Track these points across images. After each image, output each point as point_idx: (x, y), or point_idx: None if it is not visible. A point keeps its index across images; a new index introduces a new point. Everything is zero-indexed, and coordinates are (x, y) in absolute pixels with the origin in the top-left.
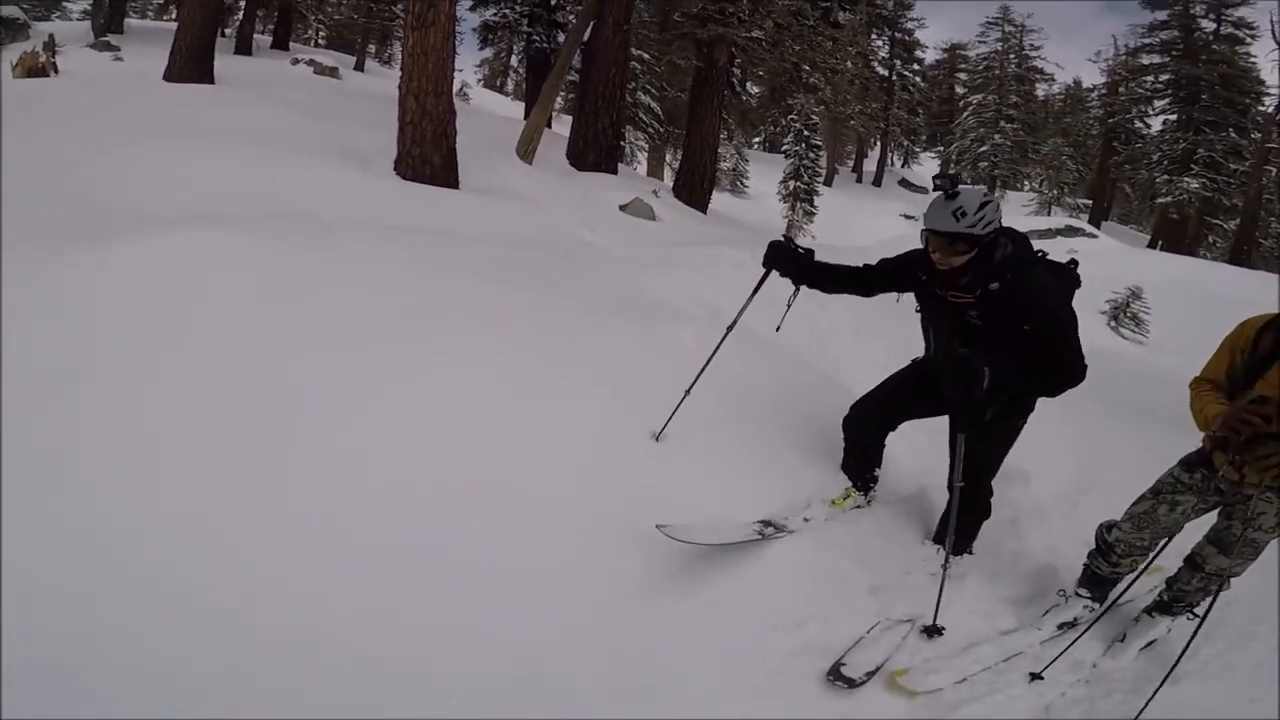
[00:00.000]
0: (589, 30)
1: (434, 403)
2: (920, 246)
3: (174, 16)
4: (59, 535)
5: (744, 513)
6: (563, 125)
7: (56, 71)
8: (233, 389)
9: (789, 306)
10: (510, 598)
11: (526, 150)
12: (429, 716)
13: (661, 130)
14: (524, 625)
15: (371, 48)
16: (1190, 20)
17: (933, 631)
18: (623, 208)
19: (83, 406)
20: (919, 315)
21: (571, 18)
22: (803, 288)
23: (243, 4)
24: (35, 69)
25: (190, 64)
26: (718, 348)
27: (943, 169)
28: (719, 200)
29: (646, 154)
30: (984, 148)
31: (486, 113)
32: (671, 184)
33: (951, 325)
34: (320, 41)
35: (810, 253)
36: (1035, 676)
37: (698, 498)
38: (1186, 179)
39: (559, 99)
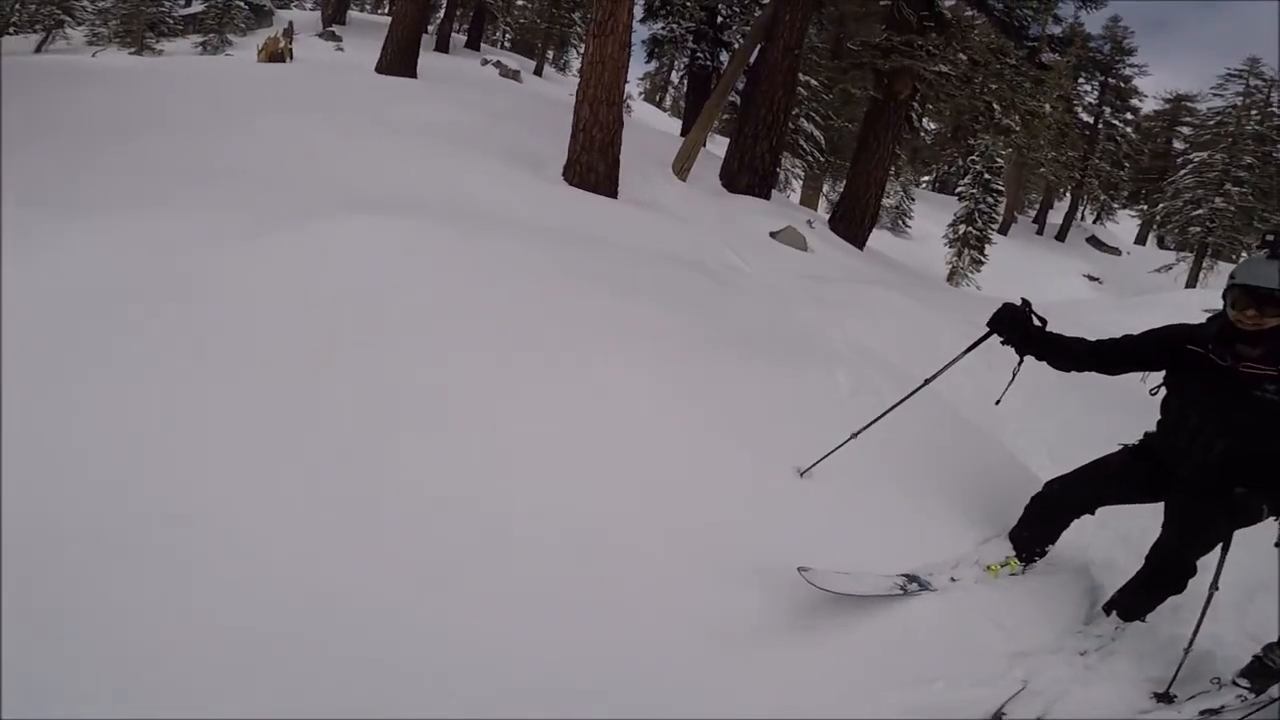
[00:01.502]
0: (755, 52)
1: (587, 413)
2: (1179, 323)
3: (388, 10)
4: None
5: (885, 563)
6: (717, 145)
7: (292, 57)
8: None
9: (1013, 377)
10: (633, 620)
11: (682, 168)
12: None
13: (821, 160)
14: (643, 652)
15: (550, 54)
16: None
17: (1164, 698)
18: (774, 234)
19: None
20: (1164, 396)
21: (739, 37)
22: (1028, 361)
23: (444, 2)
24: (276, 54)
25: (398, 58)
26: (904, 400)
27: (1270, 234)
28: (877, 238)
29: (801, 182)
30: (1199, 211)
31: (645, 126)
32: (827, 215)
33: (1233, 401)
34: (506, 44)
35: (1045, 322)
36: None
37: (838, 541)
38: None
39: (717, 119)
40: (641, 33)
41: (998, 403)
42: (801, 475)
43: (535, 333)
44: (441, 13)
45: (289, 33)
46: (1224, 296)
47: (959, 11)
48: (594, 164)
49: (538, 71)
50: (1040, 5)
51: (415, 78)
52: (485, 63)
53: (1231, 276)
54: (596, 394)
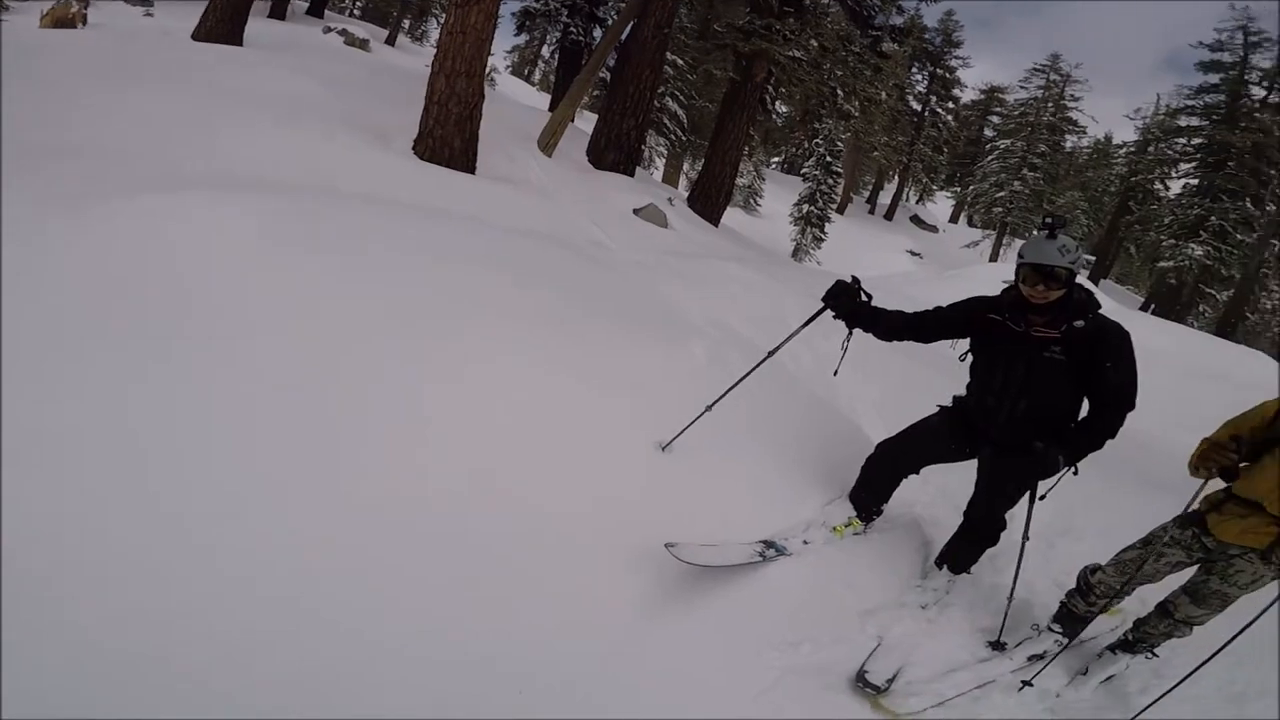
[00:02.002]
0: (628, 29)
1: (443, 396)
2: (979, 295)
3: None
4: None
5: (744, 530)
6: (585, 121)
7: (85, 23)
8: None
9: (844, 351)
10: (507, 606)
11: (548, 143)
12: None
13: (684, 138)
14: (522, 635)
15: (406, 23)
16: (1241, 86)
17: (998, 646)
18: (637, 211)
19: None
20: (971, 361)
21: (614, 13)
22: (856, 333)
23: None
24: (64, 19)
25: (222, 24)
26: (751, 371)
27: (1048, 217)
28: (731, 215)
29: (665, 160)
30: (1001, 193)
31: (510, 100)
32: (687, 193)
33: (1028, 361)
34: (356, 11)
35: (870, 297)
36: (1026, 684)
37: (700, 511)
38: (1192, 244)
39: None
40: (512, 4)
41: (835, 373)
42: (663, 450)
43: (386, 311)
44: None
45: None
46: (1016, 273)
47: None
48: (449, 138)
49: (390, 41)
50: None
51: (240, 45)
52: (328, 30)
53: (1020, 255)
54: (451, 372)
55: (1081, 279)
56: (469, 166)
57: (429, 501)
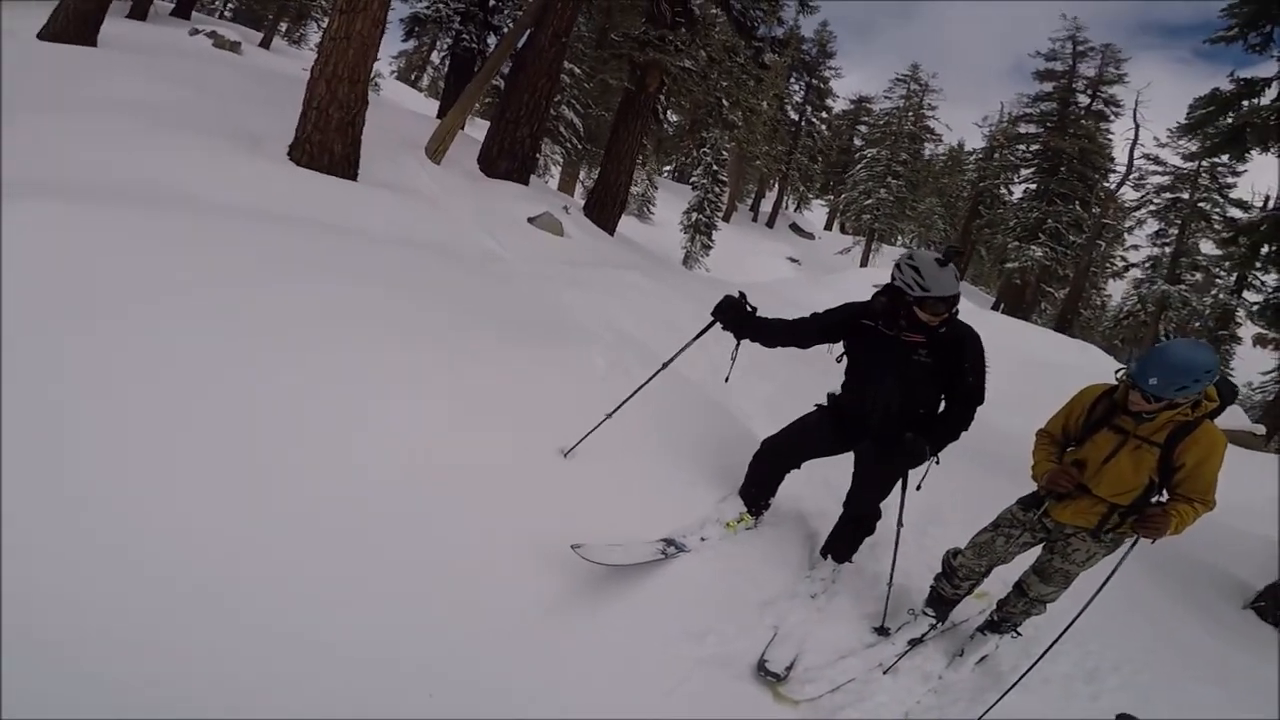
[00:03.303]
0: (525, 37)
1: (332, 420)
2: (851, 302)
3: None
4: None
5: (645, 530)
6: (476, 129)
7: None
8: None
9: (733, 360)
10: (415, 612)
11: (437, 150)
12: None
13: (580, 147)
14: (432, 640)
15: (283, 26)
16: (1070, 94)
17: (881, 631)
18: (531, 220)
19: None
20: (847, 362)
21: (509, 22)
22: (744, 341)
23: None
24: None
25: (74, 24)
26: (649, 380)
27: (948, 247)
28: (625, 224)
29: (561, 168)
30: (869, 200)
31: (396, 106)
32: (583, 202)
33: (898, 363)
34: (227, 13)
35: (754, 310)
36: (886, 670)
37: (603, 514)
38: (1033, 246)
39: (478, 102)
40: (401, 9)
41: (726, 380)
42: (565, 455)
43: (258, 328)
44: None
45: None
46: (915, 301)
47: (706, 9)
48: (329, 144)
49: (265, 44)
50: (770, 7)
51: (94, 46)
52: (195, 32)
53: (923, 288)
54: (331, 387)
55: None
56: (350, 173)
57: (323, 516)
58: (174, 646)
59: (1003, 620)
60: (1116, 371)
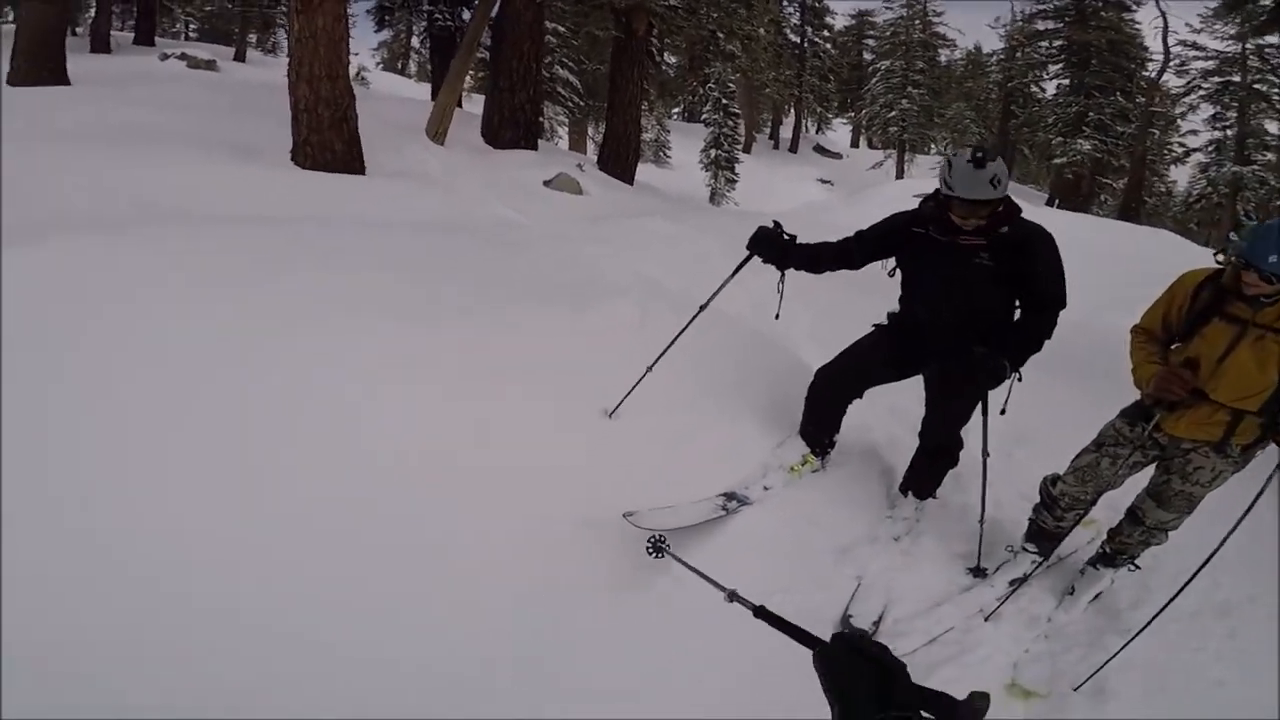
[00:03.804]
0: (497, 5)
1: (374, 403)
2: (900, 212)
3: (11, 19)
4: None
5: (703, 486)
6: (475, 104)
7: None
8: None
9: (780, 294)
10: (469, 591)
11: (437, 131)
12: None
13: (582, 104)
14: (487, 619)
15: (253, 37)
16: None
17: (978, 572)
18: (547, 183)
19: None
20: (901, 275)
21: None
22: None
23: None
24: None
25: (34, 65)
26: (685, 327)
27: (977, 150)
28: (643, 171)
29: (568, 129)
30: (892, 113)
31: (389, 96)
32: (596, 157)
33: (957, 270)
34: (191, 35)
35: (793, 238)
36: (988, 616)
37: (655, 474)
38: (1079, 140)
39: (469, 77)
40: (365, 1)
41: (777, 316)
42: (609, 416)
43: (299, 328)
44: (93, 11)
45: None
46: (945, 201)
47: None
48: (328, 143)
49: (239, 57)
50: None
51: (67, 84)
52: (165, 57)
53: (949, 187)
54: (370, 374)
55: None
56: (356, 167)
57: (375, 499)
58: (177, 647)
59: (1117, 552)
60: (1215, 254)
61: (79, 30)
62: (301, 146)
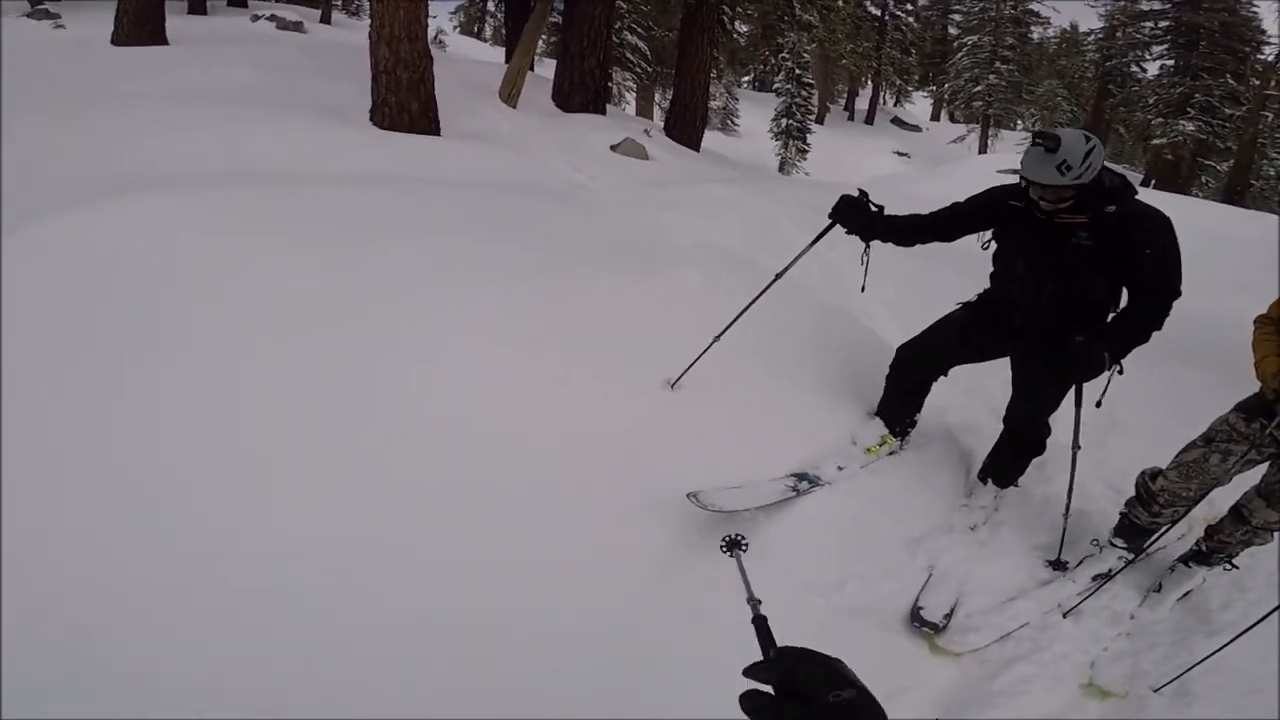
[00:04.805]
0: None
1: (438, 360)
2: (998, 185)
3: None
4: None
5: (772, 464)
6: (546, 69)
7: None
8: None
9: (865, 266)
10: (521, 568)
11: (510, 94)
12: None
13: (650, 70)
14: (539, 598)
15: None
16: None
17: (1058, 565)
18: (614, 148)
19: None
20: (995, 250)
21: None
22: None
23: None
24: None
25: (138, 26)
26: (760, 295)
27: (1039, 137)
28: (710, 139)
29: (635, 94)
30: (978, 88)
31: (465, 59)
32: (663, 123)
33: (1053, 248)
34: None
35: (881, 208)
36: (1066, 613)
37: (719, 450)
38: (1182, 121)
39: (541, 41)
40: None
41: (862, 289)
42: (671, 387)
43: (369, 290)
44: None
45: None
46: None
47: None
48: (405, 104)
49: (325, 20)
50: None
51: (166, 44)
52: (256, 18)
53: (1021, 172)
54: (444, 334)
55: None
56: (432, 129)
57: (435, 466)
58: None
59: (1213, 550)
60: None
61: None
62: (380, 107)
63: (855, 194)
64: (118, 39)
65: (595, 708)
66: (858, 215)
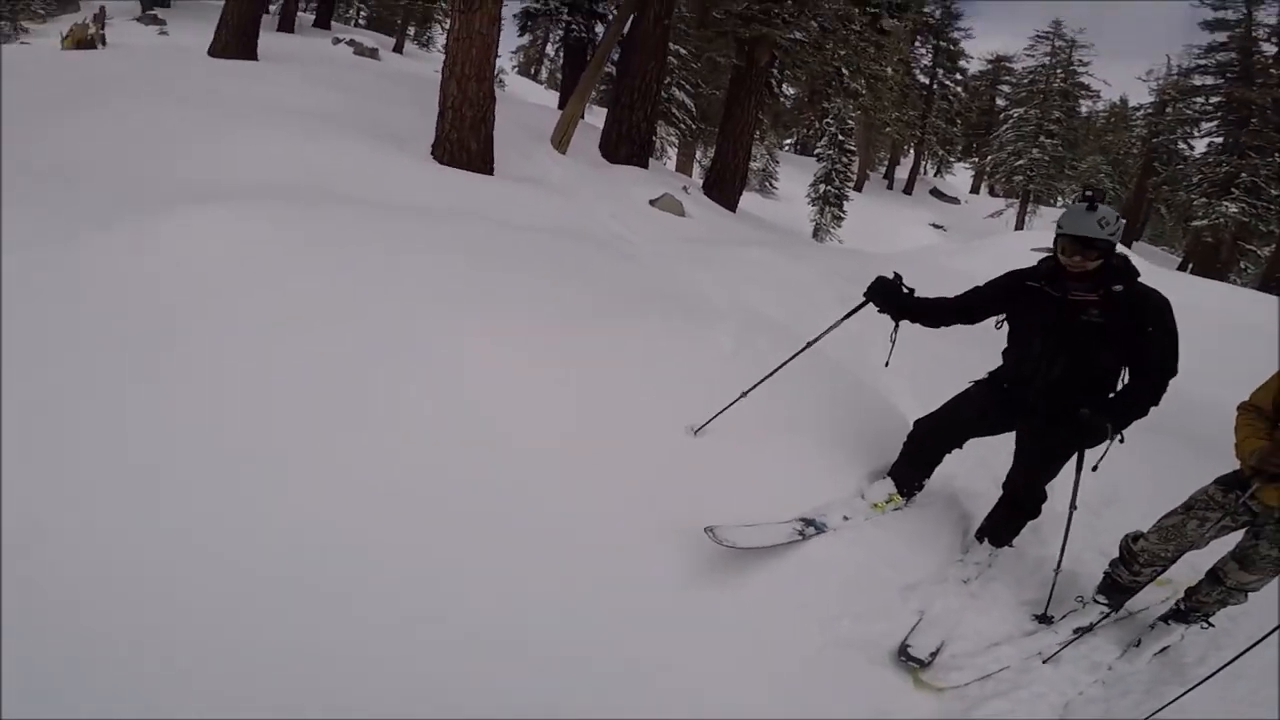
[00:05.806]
0: (629, 23)
1: (474, 394)
2: (1016, 269)
3: None
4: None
5: (782, 508)
6: (595, 116)
7: (104, 44)
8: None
9: (893, 343)
10: (542, 594)
11: (561, 140)
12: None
13: (694, 126)
14: (568, 626)
15: (411, 30)
16: (1251, 43)
17: (1044, 619)
18: (652, 202)
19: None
20: (1010, 329)
21: (613, 9)
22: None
23: None
24: (84, 41)
25: (235, 40)
26: (791, 359)
27: (1087, 190)
28: (747, 199)
29: (676, 149)
30: (1021, 161)
31: (520, 100)
32: (701, 181)
33: (1065, 324)
34: (361, 21)
35: (912, 291)
36: (1046, 659)
37: (735, 492)
38: (1225, 202)
39: (594, 90)
40: (513, 5)
41: (886, 364)
42: (695, 434)
43: (416, 312)
44: None
45: (100, 17)
46: (1055, 242)
47: None
48: (465, 141)
49: (398, 49)
50: None
51: (256, 59)
52: (337, 41)
53: (1059, 226)
54: (482, 366)
55: (1119, 247)
56: (487, 168)
57: (462, 494)
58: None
59: (1192, 610)
60: None
61: (271, 8)
62: (442, 141)
63: (890, 276)
64: (215, 50)
65: (595, 708)
66: (890, 296)
